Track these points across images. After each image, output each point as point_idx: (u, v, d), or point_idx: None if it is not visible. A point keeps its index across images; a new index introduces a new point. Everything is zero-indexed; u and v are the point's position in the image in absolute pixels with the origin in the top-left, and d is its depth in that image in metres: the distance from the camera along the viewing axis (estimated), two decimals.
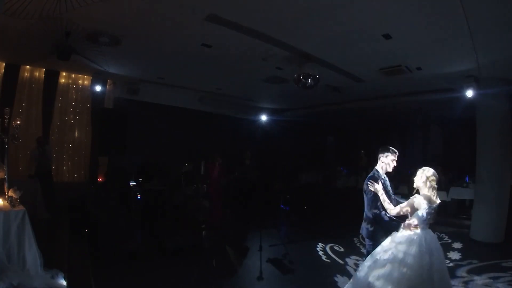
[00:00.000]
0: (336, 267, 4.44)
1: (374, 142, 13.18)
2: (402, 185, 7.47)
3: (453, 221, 6.96)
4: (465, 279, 4.05)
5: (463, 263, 4.62)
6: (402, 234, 2.84)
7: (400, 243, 2.77)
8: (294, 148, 13.35)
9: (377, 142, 13.01)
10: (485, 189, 5.88)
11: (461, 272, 4.29)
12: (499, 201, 5.75)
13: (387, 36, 4.22)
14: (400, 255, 2.70)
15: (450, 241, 5.42)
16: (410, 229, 2.78)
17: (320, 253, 5.08)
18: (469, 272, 4.28)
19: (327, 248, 5.20)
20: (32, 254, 3.24)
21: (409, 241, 2.73)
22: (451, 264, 4.47)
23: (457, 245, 5.26)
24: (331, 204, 8.20)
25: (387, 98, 7.65)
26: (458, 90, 5.97)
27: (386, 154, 3.17)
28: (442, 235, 5.59)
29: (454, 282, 3.88)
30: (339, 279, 4.00)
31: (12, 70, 6.10)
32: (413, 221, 2.79)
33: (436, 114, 9.71)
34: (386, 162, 3.17)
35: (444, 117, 9.99)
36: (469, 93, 5.72)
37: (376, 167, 3.20)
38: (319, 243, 5.43)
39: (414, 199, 2.79)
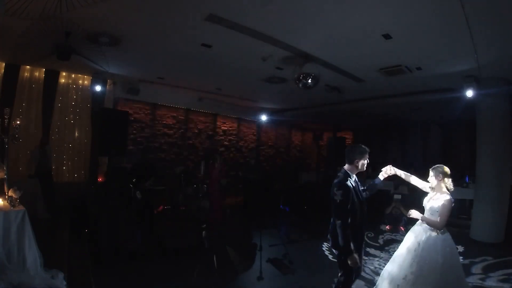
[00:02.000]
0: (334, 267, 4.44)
1: (374, 142, 13.22)
2: (402, 185, 7.47)
3: (453, 221, 6.96)
4: (481, 276, 4.12)
5: (477, 260, 4.67)
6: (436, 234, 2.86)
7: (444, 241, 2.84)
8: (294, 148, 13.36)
9: (377, 142, 13.06)
10: (485, 189, 5.89)
11: (476, 269, 4.36)
12: (499, 201, 5.76)
13: (387, 36, 4.22)
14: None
15: None
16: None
17: (327, 252, 5.08)
18: (484, 269, 4.35)
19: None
20: (32, 254, 3.24)
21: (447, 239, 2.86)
22: (466, 262, 4.56)
23: (458, 248, 5.24)
24: (330, 204, 8.20)
25: (387, 98, 7.66)
26: (458, 90, 5.97)
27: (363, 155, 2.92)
28: None
29: (468, 279, 3.93)
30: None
31: (12, 70, 6.10)
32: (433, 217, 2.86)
33: (436, 114, 9.71)
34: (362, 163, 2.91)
35: (444, 117, 9.99)
36: (469, 93, 5.72)
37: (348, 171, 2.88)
38: (324, 243, 5.43)
39: (448, 201, 2.81)
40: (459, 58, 4.93)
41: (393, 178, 3.42)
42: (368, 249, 5.08)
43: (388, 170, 3.05)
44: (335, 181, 2.76)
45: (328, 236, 2.87)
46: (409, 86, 6.66)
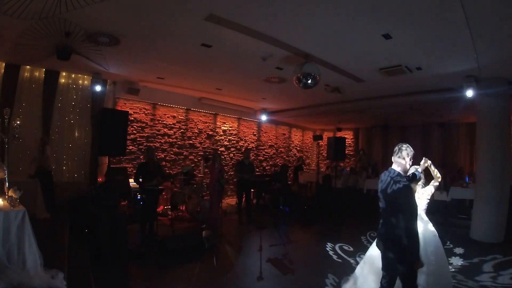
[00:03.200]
0: (336, 267, 4.44)
1: (374, 142, 13.23)
2: None
3: (453, 221, 6.97)
4: (492, 274, 4.17)
5: (487, 258, 4.72)
6: None
7: None
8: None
9: (377, 142, 13.06)
10: (485, 189, 5.89)
11: (487, 267, 4.40)
12: (499, 201, 5.76)
13: (387, 36, 4.22)
14: None
15: (452, 246, 5.34)
16: None
17: (331, 253, 5.05)
18: (495, 267, 4.41)
19: (337, 247, 5.22)
20: (32, 254, 3.23)
21: None
22: (476, 260, 4.65)
23: (458, 250, 5.18)
24: (331, 204, 8.21)
25: (387, 98, 7.66)
26: (458, 90, 5.98)
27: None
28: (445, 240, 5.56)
29: (481, 277, 4.04)
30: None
31: (12, 70, 6.10)
32: None
33: (436, 114, 9.71)
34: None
35: (444, 117, 10.00)
36: (469, 93, 5.73)
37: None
38: (328, 243, 5.43)
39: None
40: (459, 58, 4.94)
41: None
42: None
43: (425, 162, 3.15)
44: (399, 186, 2.47)
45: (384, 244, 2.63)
46: (409, 86, 6.66)
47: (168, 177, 6.70)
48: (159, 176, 5.77)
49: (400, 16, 3.69)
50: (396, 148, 2.71)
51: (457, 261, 4.65)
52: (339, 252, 4.98)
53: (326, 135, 13.59)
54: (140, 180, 5.57)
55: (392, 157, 2.71)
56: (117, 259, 4.28)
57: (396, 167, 2.66)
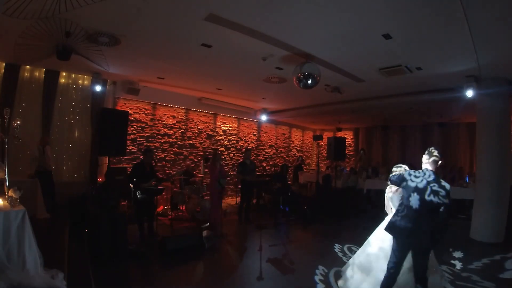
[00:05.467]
0: (339, 265, 4.43)
1: (374, 142, 13.22)
2: None
3: (453, 221, 6.97)
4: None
5: (508, 255, 4.75)
6: None
7: None
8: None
9: (377, 142, 13.07)
10: (485, 189, 5.89)
11: (508, 265, 4.43)
12: (499, 201, 5.76)
13: (387, 36, 4.22)
14: None
15: (451, 249, 5.27)
16: None
17: (340, 254, 4.97)
18: None
19: (345, 248, 5.20)
20: (32, 254, 3.23)
21: None
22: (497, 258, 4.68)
23: (457, 253, 5.10)
24: (331, 204, 8.20)
25: (387, 98, 7.66)
26: (458, 90, 5.98)
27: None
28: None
29: (503, 275, 4.07)
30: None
31: (12, 70, 6.10)
32: None
33: (436, 114, 9.71)
34: None
35: (444, 117, 10.00)
36: (469, 93, 5.73)
37: None
38: (336, 244, 5.42)
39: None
40: (459, 58, 4.94)
41: None
42: None
43: None
44: (448, 185, 2.91)
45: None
46: (409, 86, 6.66)
47: (161, 180, 6.72)
48: (153, 178, 5.78)
49: (400, 16, 3.70)
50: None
51: (477, 262, 4.61)
52: (348, 253, 4.93)
53: (326, 135, 13.60)
54: (134, 180, 5.57)
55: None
56: (117, 259, 4.28)
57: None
